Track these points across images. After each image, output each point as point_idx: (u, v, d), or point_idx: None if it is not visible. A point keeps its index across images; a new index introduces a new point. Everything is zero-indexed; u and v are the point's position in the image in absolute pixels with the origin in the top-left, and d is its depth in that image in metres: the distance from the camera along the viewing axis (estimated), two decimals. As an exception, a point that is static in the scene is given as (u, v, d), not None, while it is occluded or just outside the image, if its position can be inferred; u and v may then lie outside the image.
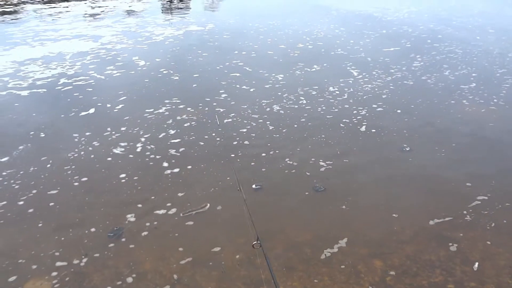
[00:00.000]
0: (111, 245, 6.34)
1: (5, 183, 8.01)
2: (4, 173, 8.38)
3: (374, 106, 11.16)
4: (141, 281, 5.61)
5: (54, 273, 5.80)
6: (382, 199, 7.25)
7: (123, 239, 6.43)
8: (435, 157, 8.62)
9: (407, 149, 8.89)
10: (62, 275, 5.76)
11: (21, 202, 7.46)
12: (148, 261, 5.92)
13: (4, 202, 7.47)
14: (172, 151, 9.14)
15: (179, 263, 5.87)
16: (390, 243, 6.12)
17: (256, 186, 7.65)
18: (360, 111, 10.80)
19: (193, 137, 9.72)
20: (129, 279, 5.64)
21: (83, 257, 6.06)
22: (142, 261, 5.91)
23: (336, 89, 12.57)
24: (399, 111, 10.82)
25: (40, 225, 6.86)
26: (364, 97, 11.86)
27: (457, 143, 9.17)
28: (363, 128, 9.91)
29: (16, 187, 7.89)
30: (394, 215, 6.80)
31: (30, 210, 7.25)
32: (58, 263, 5.98)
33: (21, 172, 8.40)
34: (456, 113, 10.74)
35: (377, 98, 11.75)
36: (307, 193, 7.42)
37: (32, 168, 8.57)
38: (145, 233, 6.53)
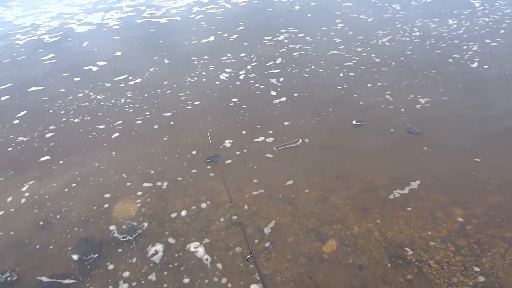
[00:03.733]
0: (194, 170, 6.42)
1: (125, 106, 8.49)
2: (130, 94, 8.94)
3: (488, 41, 9.91)
4: (215, 209, 5.60)
5: (140, 193, 6.05)
6: (473, 146, 6.40)
7: (208, 167, 6.46)
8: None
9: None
10: (148, 198, 5.95)
11: (139, 122, 7.89)
12: (224, 191, 5.86)
13: (120, 121, 7.95)
14: (273, 80, 9.03)
15: (252, 194, 5.78)
16: (474, 191, 5.46)
17: (356, 122, 7.24)
18: (471, 47, 9.67)
19: (298, 69, 9.50)
20: (203, 205, 5.68)
21: (166, 182, 6.21)
22: (219, 191, 5.88)
23: (455, 21, 11.41)
24: (517, 47, 9.51)
25: (145, 145, 7.16)
26: (481, 31, 10.58)
27: None
28: (474, 65, 8.88)
29: (131, 110, 8.33)
30: (477, 159, 6.06)
31: (142, 131, 7.62)
32: (146, 184, 6.21)
33: (145, 94, 8.89)
34: None
35: (494, 32, 10.41)
36: (398, 133, 6.85)
37: (153, 92, 9.02)
38: (232, 162, 6.53)
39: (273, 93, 8.49)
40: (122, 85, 9.49)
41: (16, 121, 8.31)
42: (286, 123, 7.42)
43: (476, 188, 5.52)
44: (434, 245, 4.75)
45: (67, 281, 4.75)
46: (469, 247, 4.69)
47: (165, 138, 7.30)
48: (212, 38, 11.96)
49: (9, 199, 6.13)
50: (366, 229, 5.03)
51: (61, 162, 6.92)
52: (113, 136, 7.50)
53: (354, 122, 7.24)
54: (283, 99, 8.22)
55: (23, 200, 6.08)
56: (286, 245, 4.90)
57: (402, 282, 4.37)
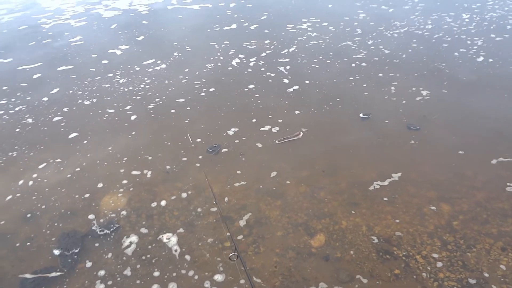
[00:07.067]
0: (184, 159, 6.38)
1: (139, 94, 8.45)
2: (148, 80, 8.97)
3: (493, 35, 9.75)
4: (194, 202, 5.56)
5: (125, 182, 6.00)
6: (462, 141, 6.31)
7: (200, 157, 6.40)
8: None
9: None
10: (131, 187, 5.89)
11: (150, 106, 7.92)
12: (212, 184, 5.77)
13: (129, 106, 7.97)
14: (281, 68, 9.08)
15: (241, 187, 5.72)
16: (461, 188, 5.36)
17: (363, 115, 7.16)
18: (476, 41, 9.53)
19: (307, 59, 9.52)
20: (183, 195, 5.66)
21: (156, 172, 6.16)
22: (205, 186, 5.73)
23: (468, 15, 11.37)
24: (523, 42, 9.33)
25: (153, 133, 7.11)
26: (491, 26, 10.41)
27: None
28: (480, 59, 8.77)
29: (140, 98, 8.31)
30: (460, 152, 6.02)
31: (155, 115, 7.62)
32: (135, 172, 6.17)
33: (165, 82, 8.89)
34: None
35: (501, 28, 10.24)
36: (396, 127, 6.78)
37: (174, 79, 9.02)
38: (228, 152, 6.49)
39: (286, 81, 8.53)
40: (151, 69, 9.55)
41: (46, 98, 8.42)
42: (297, 111, 7.43)
43: (463, 184, 5.43)
44: (421, 240, 4.69)
45: (53, 274, 4.73)
46: (455, 242, 4.63)
47: (168, 128, 7.27)
48: (234, 26, 12.07)
49: (21, 182, 6.12)
50: (354, 224, 4.98)
51: (85, 142, 6.96)
52: (132, 118, 7.55)
53: (361, 115, 7.18)
54: (296, 87, 8.26)
55: (30, 183, 6.06)
56: (275, 239, 4.88)
57: (389, 277, 4.33)
